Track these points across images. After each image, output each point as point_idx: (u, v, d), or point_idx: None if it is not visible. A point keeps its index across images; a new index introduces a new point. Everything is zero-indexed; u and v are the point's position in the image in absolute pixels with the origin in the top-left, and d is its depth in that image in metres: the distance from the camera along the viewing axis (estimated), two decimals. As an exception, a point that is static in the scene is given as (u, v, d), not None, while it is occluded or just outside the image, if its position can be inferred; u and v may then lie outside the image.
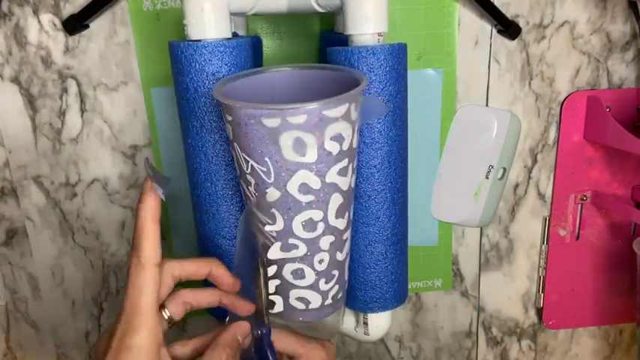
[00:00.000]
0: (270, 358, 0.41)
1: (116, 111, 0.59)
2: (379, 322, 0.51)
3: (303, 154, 0.36)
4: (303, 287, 0.42)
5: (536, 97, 0.63)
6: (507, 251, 0.69)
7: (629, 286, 0.70)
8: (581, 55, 0.62)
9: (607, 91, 0.63)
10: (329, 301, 0.44)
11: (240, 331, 0.40)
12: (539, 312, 0.72)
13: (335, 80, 0.41)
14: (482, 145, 0.62)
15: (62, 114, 0.59)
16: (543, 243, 0.68)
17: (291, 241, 0.40)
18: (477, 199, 0.63)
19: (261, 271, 0.41)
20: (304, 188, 0.37)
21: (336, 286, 0.44)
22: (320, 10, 0.46)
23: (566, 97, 0.62)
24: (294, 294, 0.42)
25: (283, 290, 0.43)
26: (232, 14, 0.43)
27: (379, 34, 0.42)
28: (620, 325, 0.74)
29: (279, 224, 0.39)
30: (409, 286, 0.64)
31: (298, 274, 0.41)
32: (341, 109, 0.36)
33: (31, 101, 0.58)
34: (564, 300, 0.70)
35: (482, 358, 0.74)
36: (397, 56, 0.42)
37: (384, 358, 0.73)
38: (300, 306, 0.43)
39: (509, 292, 0.71)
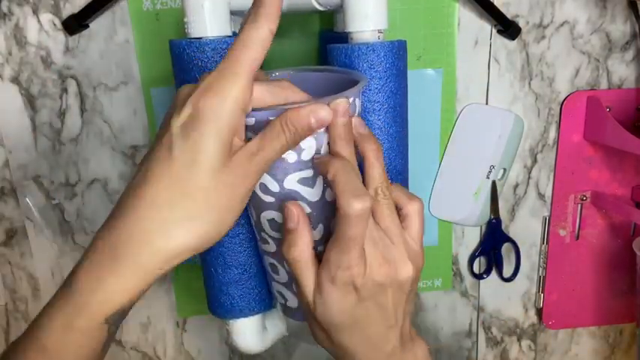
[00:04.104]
0: None
1: (116, 111, 0.59)
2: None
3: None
4: None
5: (536, 97, 0.63)
6: (507, 251, 0.69)
7: (629, 286, 0.70)
8: (581, 55, 0.62)
9: (607, 91, 0.63)
10: None
11: (321, 114, 0.30)
12: (539, 312, 0.72)
13: (332, 81, 0.41)
14: (485, 145, 0.62)
15: (62, 114, 0.59)
16: (543, 243, 0.68)
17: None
18: (476, 198, 0.63)
19: None
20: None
21: None
22: (320, 8, 0.46)
23: (566, 97, 0.62)
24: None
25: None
26: (232, 12, 0.43)
27: (379, 32, 0.43)
28: (620, 325, 0.74)
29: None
30: (409, 286, 0.64)
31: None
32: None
33: (31, 101, 0.58)
34: (564, 300, 0.70)
35: (482, 358, 0.74)
36: (397, 53, 0.42)
37: (385, 358, 0.72)
38: None
39: (509, 292, 0.71)
